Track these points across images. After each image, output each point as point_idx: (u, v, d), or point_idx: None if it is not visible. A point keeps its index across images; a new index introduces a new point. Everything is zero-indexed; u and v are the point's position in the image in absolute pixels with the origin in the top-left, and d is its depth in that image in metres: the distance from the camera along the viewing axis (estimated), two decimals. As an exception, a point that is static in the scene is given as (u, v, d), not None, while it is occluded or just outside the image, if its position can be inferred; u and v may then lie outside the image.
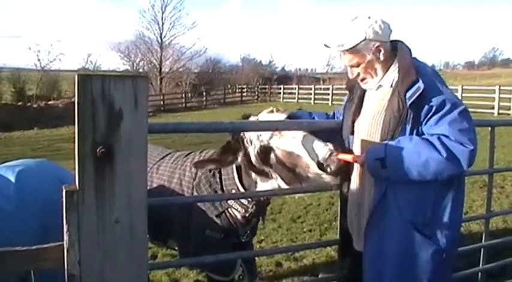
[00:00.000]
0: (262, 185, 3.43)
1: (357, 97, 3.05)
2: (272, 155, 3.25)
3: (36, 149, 20.27)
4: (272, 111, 3.36)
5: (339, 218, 3.28)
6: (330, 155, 2.97)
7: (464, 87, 29.24)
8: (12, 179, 3.25)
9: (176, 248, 4.13)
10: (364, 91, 3.00)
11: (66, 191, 1.80)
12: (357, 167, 2.98)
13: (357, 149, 2.97)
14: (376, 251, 2.82)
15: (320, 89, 44.26)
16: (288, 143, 3.15)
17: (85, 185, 1.80)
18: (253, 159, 3.31)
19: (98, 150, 1.77)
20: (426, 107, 2.62)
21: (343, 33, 2.82)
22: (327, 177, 3.11)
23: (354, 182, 3.01)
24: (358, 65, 2.85)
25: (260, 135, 3.22)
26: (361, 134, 2.94)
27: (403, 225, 2.70)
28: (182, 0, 69.65)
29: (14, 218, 3.08)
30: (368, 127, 2.88)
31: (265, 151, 3.25)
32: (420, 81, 2.65)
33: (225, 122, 3.11)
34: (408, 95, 2.65)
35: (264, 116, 3.37)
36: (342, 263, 3.49)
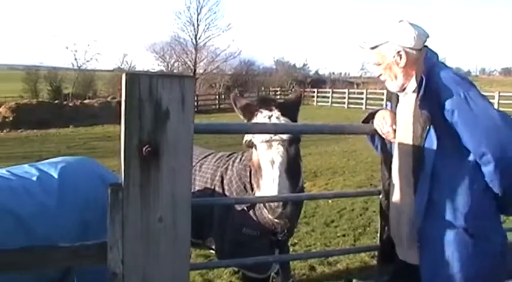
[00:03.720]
0: None
1: (394, 103, 3.04)
2: (251, 151, 3.38)
3: (71, 147, 20.50)
4: None
5: (379, 224, 3.24)
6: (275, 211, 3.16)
7: (501, 94, 28.86)
8: (55, 175, 3.29)
9: (212, 247, 4.15)
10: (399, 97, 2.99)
11: (111, 189, 1.81)
12: (396, 172, 2.94)
13: (396, 153, 2.95)
14: (434, 261, 2.76)
15: (354, 93, 44.02)
16: (265, 151, 3.24)
17: (130, 183, 1.81)
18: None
19: (144, 148, 1.78)
20: (443, 108, 2.59)
21: (370, 32, 2.83)
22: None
23: (394, 187, 2.97)
24: (379, 65, 2.86)
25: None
26: (397, 139, 2.92)
27: (458, 232, 2.65)
28: (218, 2, 69.81)
29: (55, 214, 3.11)
30: (401, 133, 2.86)
31: (249, 145, 3.36)
32: (423, 84, 2.63)
33: (267, 123, 3.11)
34: (419, 99, 2.64)
35: None
36: (381, 269, 3.45)
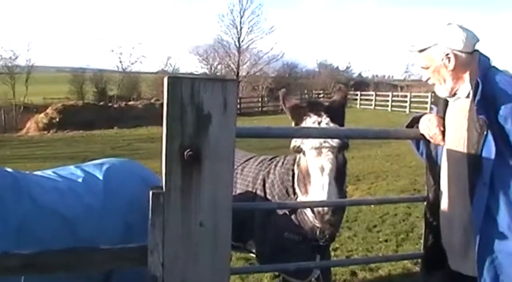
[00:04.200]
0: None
1: (441, 107, 2.97)
2: (299, 156, 3.34)
3: (115, 148, 20.81)
4: None
5: (423, 230, 3.17)
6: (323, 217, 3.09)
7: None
8: (100, 177, 3.33)
9: (253, 250, 4.13)
10: (447, 102, 2.92)
11: (152, 193, 1.81)
12: (445, 180, 2.88)
13: (445, 159, 2.88)
14: (495, 274, 2.68)
15: (397, 96, 43.51)
16: (314, 158, 3.19)
17: (171, 187, 1.80)
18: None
19: (185, 152, 1.77)
20: (498, 113, 2.51)
21: (419, 35, 2.78)
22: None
23: (443, 195, 2.91)
24: (427, 68, 2.80)
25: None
26: (448, 145, 2.84)
27: None
28: (261, 4, 69.97)
29: (100, 216, 3.15)
30: (453, 140, 2.79)
31: (297, 150, 3.30)
32: (479, 88, 2.56)
33: (311, 128, 3.08)
34: (475, 103, 2.57)
35: None
36: (425, 278, 3.37)
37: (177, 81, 1.77)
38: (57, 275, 2.44)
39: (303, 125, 3.30)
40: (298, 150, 3.28)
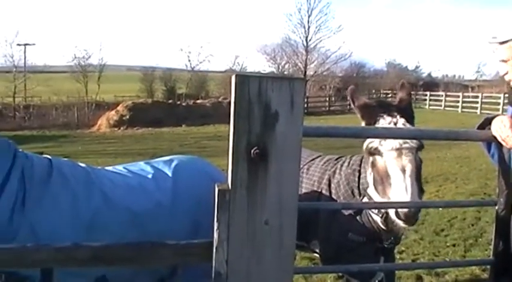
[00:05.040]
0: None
1: None
2: (374, 158, 3.27)
3: (183, 145, 21.15)
4: None
5: (493, 236, 3.08)
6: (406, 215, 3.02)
7: None
8: (169, 174, 3.40)
9: (316, 250, 4.11)
10: None
11: (218, 190, 1.82)
12: None
13: None
14: None
15: (468, 97, 42.49)
16: (395, 159, 3.14)
17: (237, 185, 1.81)
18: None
19: (252, 150, 1.77)
20: None
21: (501, 27, 2.68)
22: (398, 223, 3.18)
23: None
24: (507, 61, 2.69)
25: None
26: None
27: None
28: (329, 3, 69.47)
29: (169, 212, 3.21)
30: None
31: (373, 152, 3.25)
32: None
33: (379, 128, 3.04)
34: None
35: None
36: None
37: (244, 79, 1.77)
38: (125, 268, 2.51)
39: (377, 125, 3.26)
40: (375, 151, 3.23)
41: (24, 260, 2.06)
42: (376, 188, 3.35)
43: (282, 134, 1.80)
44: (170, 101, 41.68)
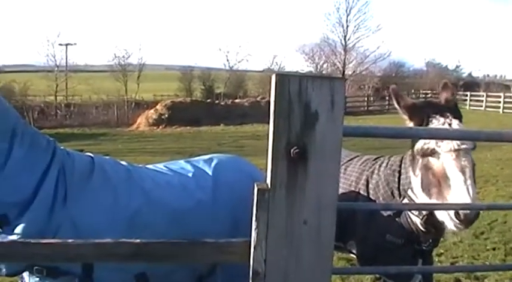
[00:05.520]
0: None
1: None
2: (427, 160, 3.21)
3: (221, 144, 21.25)
4: None
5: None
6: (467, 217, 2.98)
7: None
8: (210, 173, 3.43)
9: (352, 250, 4.09)
10: None
11: (258, 189, 1.82)
12: None
13: None
14: None
15: (510, 97, 41.64)
16: (454, 161, 3.08)
17: (277, 184, 1.81)
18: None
19: (292, 150, 1.77)
20: None
21: None
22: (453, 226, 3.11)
23: None
24: None
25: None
26: None
27: None
28: (367, 2, 69.00)
29: (209, 210, 3.25)
30: None
31: (428, 153, 3.20)
32: None
33: (419, 128, 3.00)
34: None
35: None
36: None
37: (284, 78, 1.77)
38: (164, 265, 2.54)
39: (430, 126, 3.22)
40: (430, 153, 3.18)
41: (66, 255, 2.10)
42: (427, 190, 3.29)
43: (321, 134, 1.79)
44: (208, 100, 41.93)
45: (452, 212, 3.06)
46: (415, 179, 3.38)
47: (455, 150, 3.09)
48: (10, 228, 2.80)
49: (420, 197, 3.35)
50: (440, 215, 3.21)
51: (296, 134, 1.78)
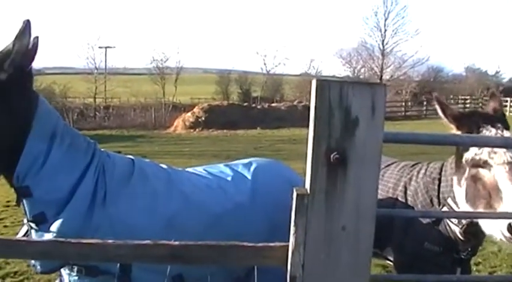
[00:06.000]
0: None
1: None
2: (477, 170, 3.12)
3: (258, 148, 21.26)
4: None
5: None
6: None
7: None
8: (249, 177, 3.46)
9: (389, 257, 4.05)
10: None
11: (297, 194, 1.83)
12: None
13: None
14: None
15: (552, 103, 40.85)
16: (506, 172, 2.99)
17: (316, 190, 1.81)
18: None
19: (331, 156, 1.77)
20: None
21: None
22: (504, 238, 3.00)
23: None
24: None
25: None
26: None
27: None
28: (406, 6, 68.36)
29: (248, 214, 3.27)
30: None
31: (479, 164, 3.11)
32: None
33: (462, 135, 2.96)
34: None
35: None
36: None
37: (325, 84, 1.77)
38: (201, 267, 2.56)
39: None
40: (482, 164, 3.12)
41: (105, 255, 2.13)
42: (472, 201, 3.23)
43: (362, 140, 1.79)
44: (245, 104, 42.03)
45: (504, 226, 2.99)
46: (458, 189, 3.32)
47: (508, 163, 3.03)
48: (47, 226, 2.88)
49: (462, 207, 3.29)
50: (488, 228, 3.15)
51: (336, 140, 1.78)
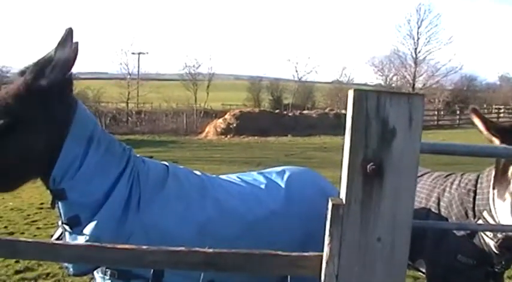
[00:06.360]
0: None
1: None
2: None
3: (289, 155, 21.21)
4: None
5: None
6: None
7: None
8: (282, 185, 3.46)
9: (421, 269, 4.01)
10: None
11: (332, 204, 1.82)
12: None
13: None
14: None
15: None
16: None
17: (352, 200, 1.80)
18: None
19: (368, 166, 1.76)
20: None
21: None
22: None
23: None
24: None
25: None
26: None
27: None
28: (439, 14, 67.64)
29: (281, 222, 3.27)
30: None
31: None
32: None
33: (498, 146, 2.92)
34: None
35: None
36: None
37: (362, 94, 1.77)
38: (234, 275, 2.57)
39: None
40: None
41: (140, 261, 2.15)
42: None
43: (398, 150, 1.78)
44: (277, 111, 42.05)
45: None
46: (500, 203, 3.26)
47: None
48: (80, 229, 2.92)
49: (503, 221, 3.24)
50: None
51: (373, 150, 1.77)
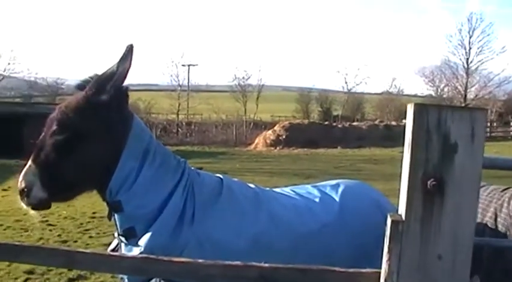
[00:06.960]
0: None
1: None
2: None
3: (338, 167, 21.05)
4: None
5: None
6: None
7: None
8: (336, 199, 3.43)
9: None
10: None
11: (391, 221, 1.79)
12: None
13: None
14: None
15: None
16: None
17: (411, 217, 1.76)
18: None
19: (428, 182, 1.73)
20: None
21: None
22: None
23: None
24: None
25: None
26: None
27: None
28: (491, 23, 66.21)
29: (335, 236, 3.24)
30: None
31: None
32: None
33: None
34: None
35: None
36: None
37: (423, 109, 1.74)
38: None
39: None
40: None
41: (196, 274, 2.16)
42: None
43: (460, 166, 1.74)
44: (326, 122, 41.95)
45: None
46: None
47: None
48: (136, 241, 2.96)
49: None
50: None
51: (433, 166, 1.73)
